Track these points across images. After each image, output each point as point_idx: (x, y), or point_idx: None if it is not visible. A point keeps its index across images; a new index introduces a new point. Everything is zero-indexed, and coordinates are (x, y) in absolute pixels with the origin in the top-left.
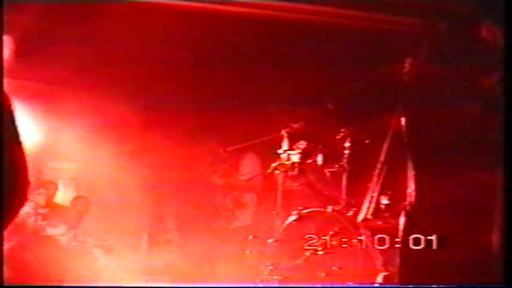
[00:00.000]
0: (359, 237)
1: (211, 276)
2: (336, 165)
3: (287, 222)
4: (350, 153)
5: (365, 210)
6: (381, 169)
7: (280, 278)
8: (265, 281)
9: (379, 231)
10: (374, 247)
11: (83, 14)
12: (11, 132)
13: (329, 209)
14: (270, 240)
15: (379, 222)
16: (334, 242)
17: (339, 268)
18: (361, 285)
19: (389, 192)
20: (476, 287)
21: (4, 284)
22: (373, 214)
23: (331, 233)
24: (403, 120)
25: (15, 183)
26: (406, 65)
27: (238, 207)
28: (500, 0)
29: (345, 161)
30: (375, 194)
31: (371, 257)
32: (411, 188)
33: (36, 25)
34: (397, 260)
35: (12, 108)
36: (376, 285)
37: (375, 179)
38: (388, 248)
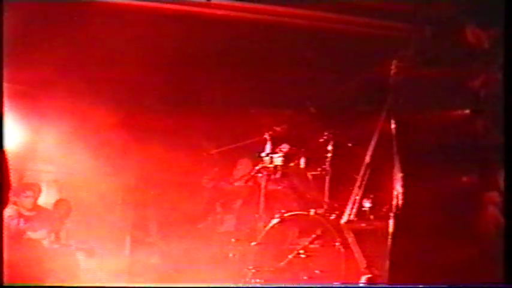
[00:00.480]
0: (340, 240)
1: (193, 279)
2: (319, 169)
3: (270, 225)
4: (332, 157)
5: (349, 212)
6: (365, 171)
7: (263, 281)
8: (247, 283)
9: (363, 233)
10: (357, 249)
11: (66, 16)
12: None
13: (312, 212)
14: (252, 244)
15: (363, 225)
16: (316, 245)
17: (322, 271)
18: (346, 286)
19: (372, 195)
20: (476, 287)
21: (4, 284)
22: (356, 216)
23: (313, 236)
24: (391, 123)
25: None
26: (393, 67)
27: (227, 212)
28: (500, 0)
29: (327, 164)
30: (358, 197)
31: (354, 259)
32: (398, 190)
33: (19, 27)
34: (382, 263)
35: None
36: (361, 285)
37: (359, 181)
38: (372, 250)
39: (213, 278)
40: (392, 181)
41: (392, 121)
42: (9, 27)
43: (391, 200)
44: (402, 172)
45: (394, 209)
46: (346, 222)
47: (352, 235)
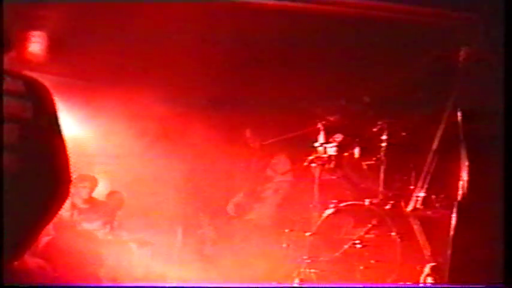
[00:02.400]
0: (396, 230)
1: (246, 269)
2: (374, 158)
3: (324, 215)
4: (387, 146)
5: (414, 200)
6: (432, 158)
7: (318, 271)
8: (302, 273)
9: (428, 221)
10: (423, 237)
11: (116, 9)
12: (54, 128)
13: (367, 202)
14: (307, 234)
15: (429, 212)
16: (372, 235)
17: (377, 261)
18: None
19: (439, 183)
20: (476, 287)
21: (4, 284)
22: (422, 204)
23: (369, 226)
24: (458, 112)
25: (57, 180)
26: (462, 53)
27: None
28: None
29: (382, 153)
30: (425, 186)
31: (410, 249)
32: (463, 178)
33: (69, 21)
34: (446, 251)
35: (55, 104)
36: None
37: (425, 168)
38: (438, 238)
39: (267, 268)
40: (458, 169)
41: (459, 109)
42: (62, 21)
43: (457, 188)
44: (468, 160)
45: (459, 198)
46: (412, 210)
47: (417, 223)
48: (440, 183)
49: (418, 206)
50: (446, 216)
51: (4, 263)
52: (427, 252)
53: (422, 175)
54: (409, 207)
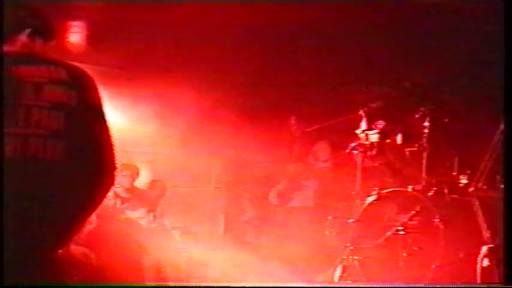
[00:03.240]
0: (439, 217)
1: (288, 257)
2: (416, 145)
3: (367, 202)
4: (429, 132)
5: (478, 180)
6: (499, 138)
7: (361, 258)
8: (345, 261)
9: (490, 202)
10: (481, 218)
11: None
12: (98, 116)
13: (409, 188)
14: (350, 221)
15: (491, 194)
16: (415, 222)
17: (420, 248)
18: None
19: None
20: (476, 287)
21: (4, 284)
22: (487, 185)
23: (412, 212)
24: None
25: (102, 168)
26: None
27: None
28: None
29: (424, 140)
30: (489, 164)
31: (453, 236)
32: None
33: (108, 12)
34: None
35: (99, 93)
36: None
37: (490, 148)
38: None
39: (310, 255)
40: None
41: None
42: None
43: None
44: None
45: None
46: (474, 190)
47: (477, 203)
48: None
49: (479, 185)
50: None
51: (50, 252)
52: (486, 233)
53: (487, 154)
54: (471, 188)
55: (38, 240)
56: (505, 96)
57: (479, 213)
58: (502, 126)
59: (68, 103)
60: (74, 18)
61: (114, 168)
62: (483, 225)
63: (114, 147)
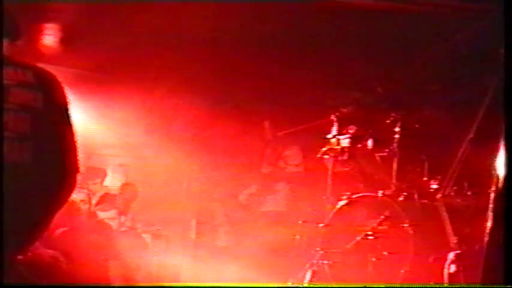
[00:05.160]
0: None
1: (259, 261)
2: (387, 150)
3: (337, 207)
4: (400, 138)
5: (445, 186)
6: (466, 147)
7: (331, 262)
8: (315, 265)
9: (457, 209)
10: (448, 224)
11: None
12: (64, 119)
13: (380, 193)
14: (320, 225)
15: (459, 200)
16: (385, 227)
17: (390, 253)
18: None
19: (469, 171)
20: (476, 287)
21: (4, 284)
22: (455, 191)
23: (382, 217)
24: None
25: (66, 170)
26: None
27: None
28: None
29: (395, 145)
30: (456, 172)
31: (423, 240)
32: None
33: (83, 14)
34: (472, 240)
35: (65, 96)
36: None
37: (459, 156)
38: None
39: (280, 260)
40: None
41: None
42: (76, 13)
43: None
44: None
45: (493, 187)
46: (442, 197)
47: (444, 209)
48: (473, 172)
49: (447, 192)
50: (476, 205)
51: (14, 253)
52: (452, 239)
53: (455, 162)
54: (439, 194)
55: (2, 241)
56: (505, 96)
57: (446, 220)
58: (471, 135)
59: (34, 105)
60: (48, 20)
61: (77, 170)
62: (450, 232)
63: (77, 150)
